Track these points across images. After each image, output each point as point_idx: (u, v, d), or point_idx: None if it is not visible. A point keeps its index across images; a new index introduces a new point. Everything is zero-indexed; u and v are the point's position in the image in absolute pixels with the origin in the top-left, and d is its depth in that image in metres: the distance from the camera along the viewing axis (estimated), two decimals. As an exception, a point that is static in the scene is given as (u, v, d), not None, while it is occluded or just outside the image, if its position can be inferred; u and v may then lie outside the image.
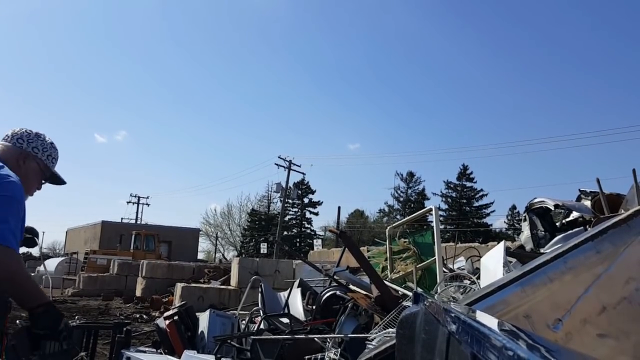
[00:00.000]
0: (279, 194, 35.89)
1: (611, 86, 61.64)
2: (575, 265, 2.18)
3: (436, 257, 4.68)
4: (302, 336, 3.72)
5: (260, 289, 5.04)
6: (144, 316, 11.08)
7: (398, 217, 42.93)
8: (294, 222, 49.77)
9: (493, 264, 4.01)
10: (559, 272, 2.17)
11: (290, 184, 36.00)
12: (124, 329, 4.21)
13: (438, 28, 70.39)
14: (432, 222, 5.61)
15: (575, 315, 2.09)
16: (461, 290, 3.93)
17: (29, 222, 2.01)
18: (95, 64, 75.45)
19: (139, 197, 46.71)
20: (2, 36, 72.42)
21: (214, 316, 4.59)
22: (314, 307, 4.61)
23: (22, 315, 2.11)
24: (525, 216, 6.97)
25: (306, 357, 3.37)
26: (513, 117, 65.82)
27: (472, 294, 2.61)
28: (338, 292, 4.50)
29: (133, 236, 26.20)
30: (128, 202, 46.74)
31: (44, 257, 30.97)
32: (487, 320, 1.09)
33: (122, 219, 43.53)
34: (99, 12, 74.38)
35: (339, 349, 3.31)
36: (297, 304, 4.91)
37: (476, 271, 4.75)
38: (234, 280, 11.97)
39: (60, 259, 29.90)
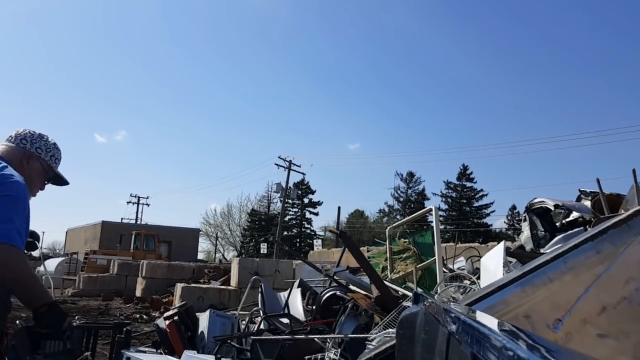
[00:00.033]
0: (279, 194, 35.85)
1: (611, 86, 61.63)
2: (575, 265, 2.18)
3: (436, 257, 4.68)
4: (302, 336, 3.72)
5: (260, 289, 5.04)
6: (144, 316, 11.08)
7: (398, 217, 42.92)
8: (294, 222, 49.75)
9: (493, 264, 4.01)
10: (559, 272, 2.17)
11: (290, 184, 36.01)
12: (124, 329, 4.22)
13: (438, 28, 70.40)
14: (432, 222, 5.61)
15: (575, 315, 2.09)
16: (461, 290, 3.93)
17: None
18: (95, 64, 75.44)
19: (139, 197, 46.73)
20: (2, 36, 72.35)
21: (214, 316, 4.59)
22: (314, 307, 4.62)
23: (22, 315, 2.11)
24: (525, 216, 6.98)
25: (306, 357, 3.37)
26: (513, 117, 65.81)
27: (472, 294, 2.62)
28: (338, 292, 4.50)
29: (133, 236, 26.18)
30: (128, 202, 46.76)
31: (44, 257, 30.92)
32: (487, 320, 1.09)
33: (122, 219, 43.54)
34: (98, 12, 74.36)
35: (339, 349, 3.31)
36: (297, 304, 4.91)
37: (476, 271, 4.75)
38: (234, 281, 11.98)
39: (60, 259, 29.86)
